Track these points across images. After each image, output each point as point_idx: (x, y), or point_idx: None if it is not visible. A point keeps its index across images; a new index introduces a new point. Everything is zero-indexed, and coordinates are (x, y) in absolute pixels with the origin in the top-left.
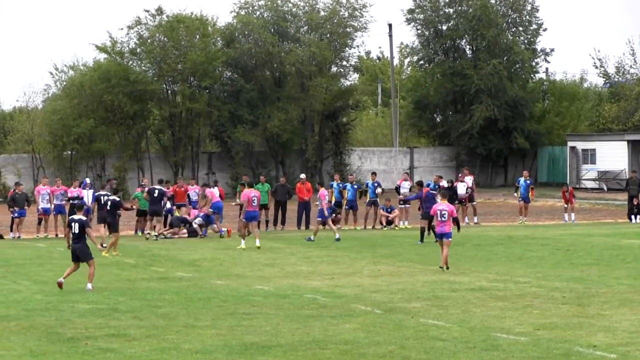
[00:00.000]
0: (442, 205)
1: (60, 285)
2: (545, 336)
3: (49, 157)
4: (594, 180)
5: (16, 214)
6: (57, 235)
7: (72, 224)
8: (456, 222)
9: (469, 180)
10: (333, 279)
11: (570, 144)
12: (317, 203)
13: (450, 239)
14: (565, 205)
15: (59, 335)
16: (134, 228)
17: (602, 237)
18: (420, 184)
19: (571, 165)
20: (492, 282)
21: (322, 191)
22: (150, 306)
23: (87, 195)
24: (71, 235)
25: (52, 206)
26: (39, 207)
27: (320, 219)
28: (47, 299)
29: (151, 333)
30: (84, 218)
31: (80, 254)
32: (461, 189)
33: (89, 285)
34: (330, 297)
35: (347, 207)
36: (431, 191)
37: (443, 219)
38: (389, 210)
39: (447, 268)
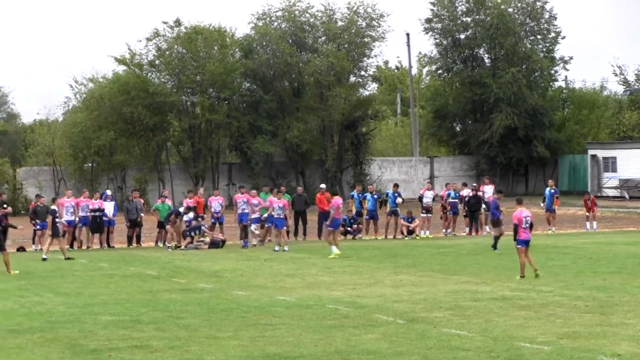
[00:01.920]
0: (525, 212)
1: None
2: (568, 345)
3: (69, 169)
4: (615, 188)
5: (38, 227)
6: (88, 247)
7: None
8: (531, 227)
9: (490, 189)
10: (355, 289)
11: (590, 152)
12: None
13: (527, 247)
14: (587, 214)
15: (82, 347)
16: (155, 239)
17: (625, 246)
18: (500, 191)
19: (592, 173)
20: (515, 291)
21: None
22: (172, 317)
23: (109, 207)
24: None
25: (77, 218)
26: (63, 220)
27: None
28: (70, 310)
29: (174, 344)
30: None
31: None
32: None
33: None
34: (352, 307)
35: (367, 217)
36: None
37: (527, 225)
38: (410, 220)
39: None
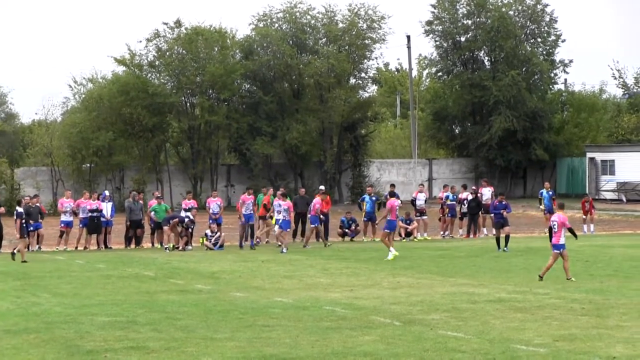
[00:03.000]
0: (554, 216)
1: None
2: (564, 347)
3: (68, 170)
4: (613, 191)
5: (31, 227)
6: (85, 247)
7: None
8: (571, 231)
9: (488, 191)
10: (352, 290)
11: (589, 155)
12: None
13: (562, 250)
14: (584, 217)
15: (78, 347)
16: (151, 241)
17: (622, 248)
18: (502, 193)
19: (590, 176)
20: (512, 293)
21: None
22: (169, 318)
23: (107, 208)
24: None
25: (79, 219)
26: (62, 220)
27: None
28: (66, 311)
29: (170, 345)
30: None
31: None
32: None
33: None
34: (349, 309)
35: (365, 219)
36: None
37: (554, 230)
38: (408, 222)
39: (569, 278)
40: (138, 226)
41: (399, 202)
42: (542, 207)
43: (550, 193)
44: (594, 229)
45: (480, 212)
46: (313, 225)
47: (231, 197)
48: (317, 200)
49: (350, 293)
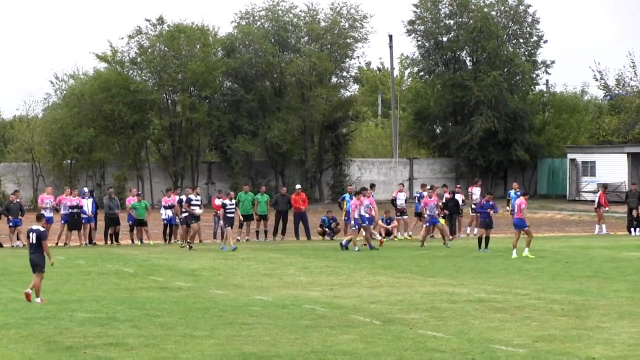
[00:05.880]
0: None
1: (27, 296)
2: (544, 348)
3: (48, 166)
4: (593, 192)
5: (11, 224)
6: (66, 244)
7: (30, 234)
8: None
9: (478, 191)
10: (332, 289)
11: (570, 156)
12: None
13: None
14: (606, 208)
15: (58, 343)
16: (130, 238)
17: (602, 250)
18: (490, 192)
19: (571, 177)
20: (491, 293)
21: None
22: (149, 315)
23: (87, 205)
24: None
25: (60, 215)
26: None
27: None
28: (45, 307)
29: (150, 342)
30: (42, 229)
31: (36, 263)
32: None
33: (38, 299)
34: (329, 307)
35: (346, 218)
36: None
37: None
38: (388, 221)
39: None
40: (116, 223)
41: (523, 200)
42: (509, 207)
43: (519, 194)
44: (606, 229)
45: (458, 212)
46: (430, 225)
47: (211, 194)
48: (433, 199)
49: (330, 292)
